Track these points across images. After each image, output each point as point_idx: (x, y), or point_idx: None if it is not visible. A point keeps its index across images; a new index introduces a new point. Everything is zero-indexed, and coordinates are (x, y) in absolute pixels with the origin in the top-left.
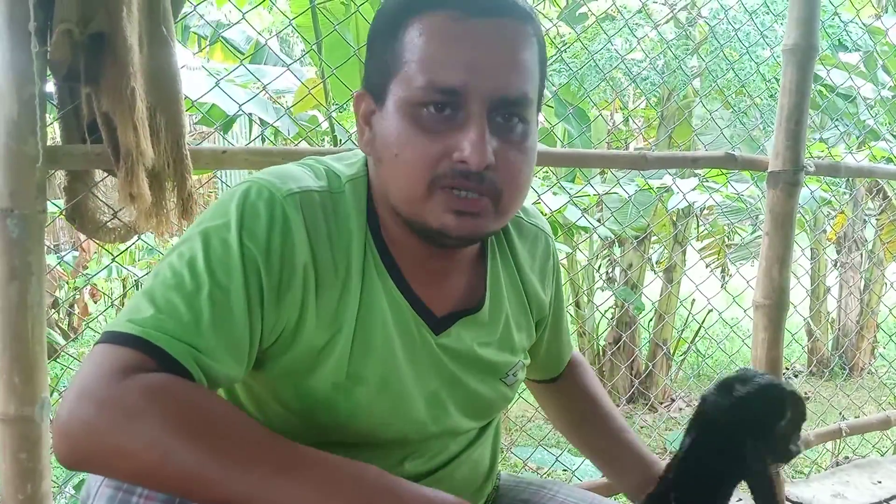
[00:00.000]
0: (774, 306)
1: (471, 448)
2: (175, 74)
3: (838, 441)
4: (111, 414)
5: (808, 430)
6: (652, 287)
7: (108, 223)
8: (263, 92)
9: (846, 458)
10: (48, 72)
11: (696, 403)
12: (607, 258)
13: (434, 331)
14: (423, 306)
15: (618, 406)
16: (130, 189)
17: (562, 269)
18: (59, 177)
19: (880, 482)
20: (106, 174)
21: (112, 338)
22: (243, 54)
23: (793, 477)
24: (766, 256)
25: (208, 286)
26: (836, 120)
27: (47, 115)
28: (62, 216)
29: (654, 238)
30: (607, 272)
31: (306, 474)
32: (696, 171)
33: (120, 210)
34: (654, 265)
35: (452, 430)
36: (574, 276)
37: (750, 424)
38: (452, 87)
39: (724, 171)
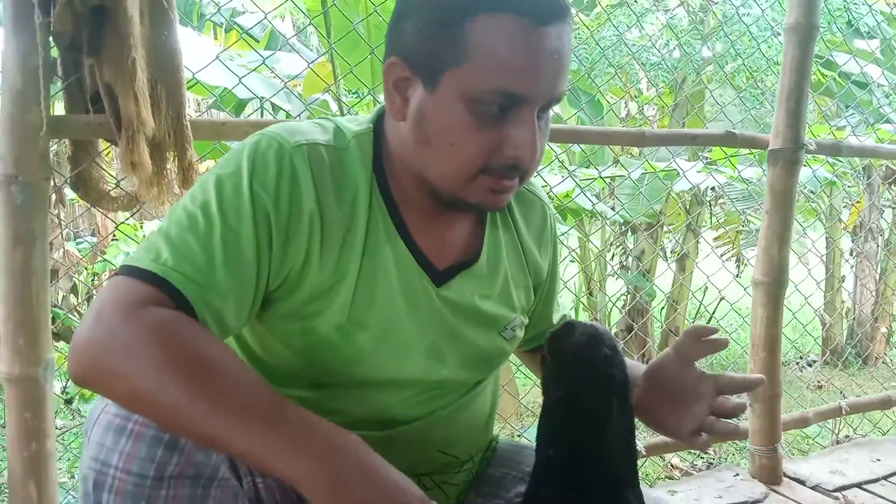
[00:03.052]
0: (773, 284)
1: (468, 396)
2: (175, 46)
3: (839, 420)
4: (121, 340)
5: (808, 409)
6: (665, 276)
7: (111, 192)
8: (271, 74)
9: (846, 437)
10: (52, 42)
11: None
12: (620, 246)
13: (435, 283)
14: (426, 259)
15: None
16: (131, 157)
17: (575, 257)
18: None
19: (879, 460)
20: (109, 144)
21: (132, 272)
22: (258, 42)
23: (791, 454)
24: (765, 235)
25: (220, 228)
26: (853, 108)
27: (52, 86)
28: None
29: (666, 228)
30: (620, 261)
31: (286, 430)
32: (704, 155)
33: (122, 179)
34: (668, 254)
35: (450, 380)
36: (587, 264)
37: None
38: (519, 94)
39: (732, 154)
